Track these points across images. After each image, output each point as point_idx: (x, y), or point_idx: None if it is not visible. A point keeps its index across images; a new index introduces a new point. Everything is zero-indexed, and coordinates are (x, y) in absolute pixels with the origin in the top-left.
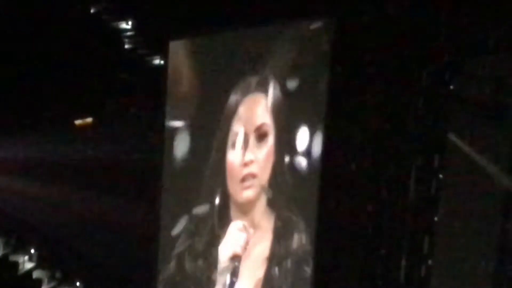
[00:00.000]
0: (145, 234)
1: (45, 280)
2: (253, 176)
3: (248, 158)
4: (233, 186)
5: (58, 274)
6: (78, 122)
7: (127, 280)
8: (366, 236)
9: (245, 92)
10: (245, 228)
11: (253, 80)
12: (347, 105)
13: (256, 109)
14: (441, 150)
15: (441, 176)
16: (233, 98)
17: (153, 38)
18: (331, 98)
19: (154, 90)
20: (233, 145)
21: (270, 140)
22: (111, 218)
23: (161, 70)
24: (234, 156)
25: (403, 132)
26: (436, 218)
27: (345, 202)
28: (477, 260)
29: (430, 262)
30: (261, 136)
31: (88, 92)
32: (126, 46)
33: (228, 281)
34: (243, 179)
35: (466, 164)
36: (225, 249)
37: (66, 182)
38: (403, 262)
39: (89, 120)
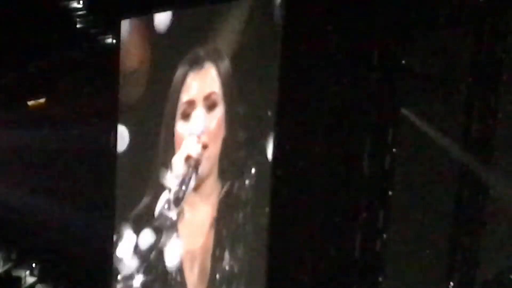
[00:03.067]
0: (102, 211)
1: (0, 262)
2: (203, 146)
3: (197, 127)
4: None
5: (13, 255)
6: (31, 102)
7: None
8: (321, 210)
9: (194, 63)
10: (200, 141)
11: (202, 50)
12: (299, 82)
13: (205, 78)
14: (394, 124)
15: (394, 150)
16: (181, 69)
17: (105, 17)
18: (282, 73)
19: (106, 69)
20: (181, 116)
21: (220, 110)
22: (65, 198)
23: (113, 49)
24: (182, 126)
25: (356, 107)
26: (390, 192)
27: (298, 178)
28: (432, 233)
29: (385, 236)
30: (210, 105)
31: (41, 72)
32: (78, 25)
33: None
34: None
35: (419, 138)
36: (180, 155)
37: (20, 163)
38: (358, 236)
39: (42, 100)
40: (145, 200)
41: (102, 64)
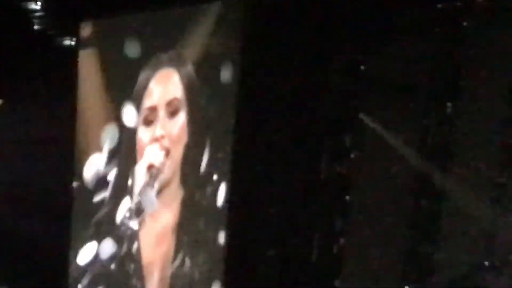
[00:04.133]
0: (60, 212)
1: None
2: (165, 150)
3: (159, 133)
4: None
5: None
6: None
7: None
8: (279, 214)
9: (156, 68)
10: (162, 148)
11: (165, 55)
12: (259, 86)
13: (168, 83)
14: (353, 130)
15: (353, 155)
16: (143, 74)
17: (64, 19)
18: (242, 78)
19: (65, 72)
20: (144, 122)
21: (182, 116)
22: (22, 199)
23: (72, 52)
24: (144, 133)
25: (315, 112)
26: (348, 197)
27: (257, 181)
28: (389, 238)
29: (342, 240)
30: (172, 112)
31: None
32: (36, 27)
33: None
34: None
35: (377, 144)
36: (142, 164)
37: None
38: (316, 240)
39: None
40: (106, 208)
41: (60, 66)
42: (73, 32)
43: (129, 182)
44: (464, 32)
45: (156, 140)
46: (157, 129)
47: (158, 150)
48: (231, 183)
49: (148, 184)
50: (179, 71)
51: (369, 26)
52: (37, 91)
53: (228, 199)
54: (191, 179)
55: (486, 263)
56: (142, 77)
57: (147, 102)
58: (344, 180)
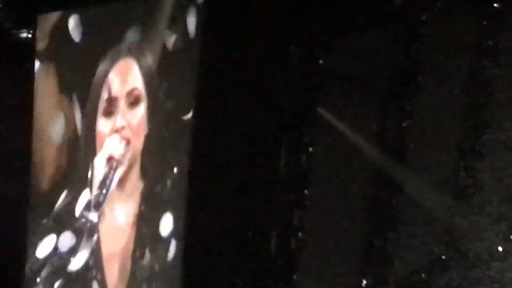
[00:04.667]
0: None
1: None
2: (125, 140)
3: (119, 124)
4: None
5: None
6: None
7: None
8: (237, 209)
9: (115, 58)
10: (123, 139)
11: (124, 46)
12: (216, 80)
13: (127, 73)
14: (311, 124)
15: (311, 149)
16: (102, 65)
17: (20, 12)
18: (200, 72)
19: (21, 65)
20: (103, 113)
21: (142, 107)
22: None
23: (29, 44)
24: (104, 124)
25: (273, 106)
26: (306, 191)
27: (214, 176)
28: (347, 232)
29: (300, 235)
30: (133, 102)
31: None
32: None
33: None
34: None
35: (335, 138)
36: (102, 155)
37: None
38: (274, 235)
39: None
40: (66, 199)
41: (16, 60)
42: (30, 25)
43: (89, 174)
44: (422, 27)
45: (116, 131)
46: (118, 120)
47: (118, 141)
48: (189, 176)
49: (108, 177)
50: (139, 62)
51: (327, 20)
52: None
53: (187, 193)
54: (152, 171)
55: (444, 256)
56: (100, 69)
57: (106, 94)
58: (303, 174)
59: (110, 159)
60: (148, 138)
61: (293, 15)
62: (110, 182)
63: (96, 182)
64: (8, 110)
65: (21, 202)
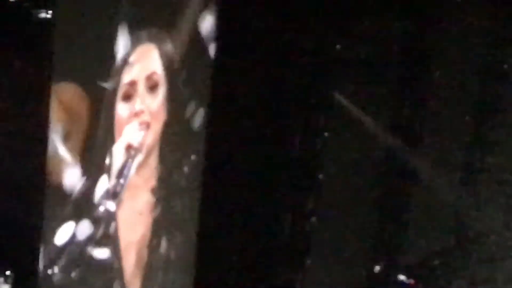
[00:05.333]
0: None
1: None
2: (145, 125)
3: (138, 108)
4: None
5: None
6: None
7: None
8: (251, 193)
9: (136, 43)
10: (142, 124)
11: (144, 31)
12: (232, 64)
13: (147, 58)
14: (326, 108)
15: (325, 134)
16: (123, 49)
17: None
18: (216, 56)
19: (40, 45)
20: (123, 97)
21: (162, 92)
22: None
23: (49, 24)
24: (123, 108)
25: (288, 91)
26: (320, 176)
27: (230, 159)
28: (360, 218)
29: (314, 219)
30: (152, 86)
31: None
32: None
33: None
34: None
35: (350, 123)
36: (120, 143)
37: None
38: (288, 219)
39: None
40: (84, 187)
41: (36, 39)
42: (49, 5)
43: (107, 161)
44: (437, 10)
45: (135, 115)
46: (137, 104)
47: (137, 128)
48: (205, 160)
49: (126, 166)
50: (159, 48)
51: (342, 4)
52: (11, 64)
53: (202, 179)
54: (169, 157)
55: (454, 243)
56: (121, 51)
57: (127, 77)
58: (317, 159)
59: (129, 147)
60: (166, 124)
61: (309, 1)
62: (128, 171)
63: (114, 171)
64: (25, 92)
65: (37, 188)
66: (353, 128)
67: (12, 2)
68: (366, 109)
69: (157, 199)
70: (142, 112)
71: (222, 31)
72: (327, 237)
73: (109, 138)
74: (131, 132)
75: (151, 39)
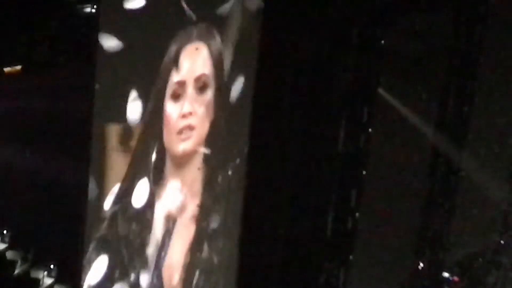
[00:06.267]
0: (74, 191)
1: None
2: (191, 128)
3: (186, 110)
4: (169, 139)
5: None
6: (7, 69)
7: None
8: (294, 189)
9: (186, 41)
10: (181, 190)
11: (195, 29)
12: (278, 60)
13: (197, 58)
14: (371, 104)
15: (370, 130)
16: (173, 47)
17: None
18: (263, 53)
19: (84, 39)
20: (172, 96)
21: (210, 93)
22: (37, 173)
23: (93, 19)
24: (172, 108)
25: (333, 87)
26: (364, 172)
27: (275, 156)
28: (404, 214)
29: (357, 215)
30: (201, 87)
31: (18, 40)
32: None
33: (161, 242)
34: (180, 131)
35: (395, 120)
36: (161, 210)
37: None
38: (331, 214)
39: (18, 67)
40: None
41: (80, 34)
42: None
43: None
44: (484, 10)
45: (183, 116)
46: (185, 105)
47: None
48: (249, 161)
49: (166, 236)
50: (209, 46)
51: (391, 1)
52: (56, 59)
53: (246, 181)
54: (214, 159)
55: (501, 241)
56: (171, 49)
57: (176, 77)
58: (361, 155)
59: (168, 217)
60: (212, 125)
61: None
62: (169, 241)
63: (154, 241)
64: (72, 87)
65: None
66: (397, 125)
67: None
68: (411, 105)
69: (201, 203)
70: (190, 114)
71: (267, 29)
72: (371, 233)
73: (156, 134)
74: (170, 197)
75: (201, 37)
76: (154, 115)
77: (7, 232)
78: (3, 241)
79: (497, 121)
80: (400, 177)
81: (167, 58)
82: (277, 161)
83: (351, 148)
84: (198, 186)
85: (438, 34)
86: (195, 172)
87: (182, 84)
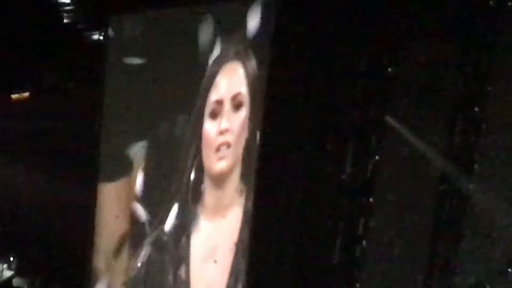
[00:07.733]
0: (85, 214)
1: None
2: (227, 145)
3: (223, 127)
4: (207, 156)
5: None
6: (15, 96)
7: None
8: (301, 216)
9: (223, 61)
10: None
11: (231, 49)
12: (285, 86)
13: (233, 77)
14: (378, 132)
15: (377, 157)
16: (211, 68)
17: (94, 13)
18: (271, 79)
19: (93, 66)
20: (210, 115)
21: (245, 111)
22: (48, 195)
23: (102, 46)
24: (210, 125)
25: (340, 113)
26: (371, 199)
27: (281, 183)
28: (412, 241)
29: (364, 243)
30: (236, 105)
31: (26, 66)
32: (66, 21)
33: None
34: (218, 149)
35: (402, 146)
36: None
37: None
38: (338, 243)
39: (26, 94)
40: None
41: (89, 61)
42: (103, 27)
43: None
44: (493, 38)
45: (221, 133)
46: (223, 122)
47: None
48: (255, 187)
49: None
50: (245, 66)
51: (396, 28)
52: (64, 85)
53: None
54: (251, 177)
55: (509, 269)
56: (210, 70)
57: (214, 95)
58: (368, 182)
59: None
60: (248, 143)
61: (362, 22)
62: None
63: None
64: (79, 112)
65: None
66: (405, 152)
67: (67, 23)
68: (419, 133)
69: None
70: (227, 131)
71: (276, 49)
72: (378, 261)
73: (194, 152)
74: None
75: (238, 57)
76: (193, 134)
77: (13, 259)
78: (10, 268)
79: (505, 148)
80: (408, 204)
81: (206, 78)
82: (283, 188)
83: (358, 175)
84: (236, 210)
85: (445, 62)
86: (233, 188)
87: (220, 102)
